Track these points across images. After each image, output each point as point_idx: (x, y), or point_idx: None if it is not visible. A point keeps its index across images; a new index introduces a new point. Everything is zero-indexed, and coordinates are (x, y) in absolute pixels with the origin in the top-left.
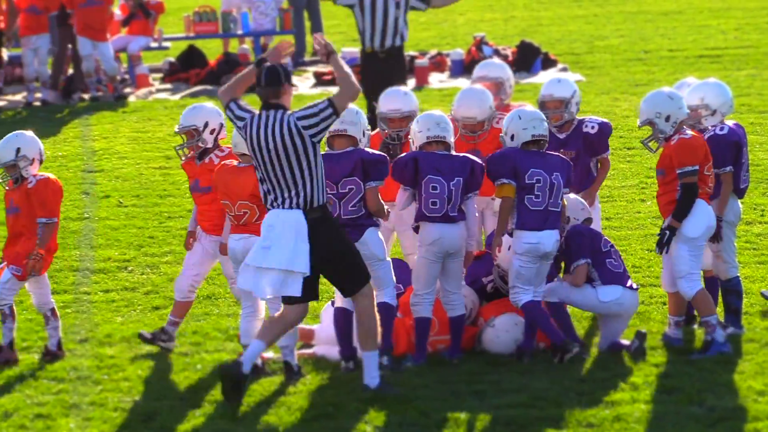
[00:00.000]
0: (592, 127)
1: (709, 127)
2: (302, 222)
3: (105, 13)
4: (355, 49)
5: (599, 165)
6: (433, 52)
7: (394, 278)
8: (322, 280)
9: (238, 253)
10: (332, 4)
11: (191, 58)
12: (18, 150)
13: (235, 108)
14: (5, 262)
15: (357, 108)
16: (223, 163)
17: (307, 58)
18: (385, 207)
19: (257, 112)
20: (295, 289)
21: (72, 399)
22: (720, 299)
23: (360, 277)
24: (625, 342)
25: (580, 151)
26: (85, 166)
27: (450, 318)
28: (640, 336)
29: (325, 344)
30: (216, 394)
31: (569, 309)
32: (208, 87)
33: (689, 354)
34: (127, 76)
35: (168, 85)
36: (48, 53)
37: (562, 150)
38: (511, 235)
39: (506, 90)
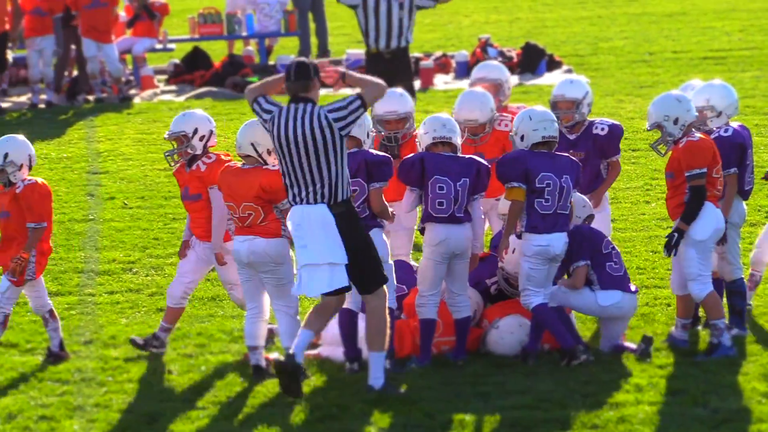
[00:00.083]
0: (602, 129)
1: (714, 129)
2: (328, 215)
3: (110, 14)
4: (359, 51)
5: (609, 168)
6: (438, 53)
7: (395, 281)
8: None
9: (243, 255)
10: (336, 5)
11: (196, 60)
12: (6, 155)
13: (263, 102)
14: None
15: None
16: (226, 164)
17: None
18: (390, 209)
19: (284, 106)
20: (342, 279)
21: (76, 401)
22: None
23: (379, 275)
24: (632, 345)
25: (589, 153)
26: (90, 167)
27: (455, 320)
28: (647, 340)
29: (331, 344)
30: (220, 395)
31: (574, 312)
32: (213, 88)
33: (694, 356)
34: (131, 78)
35: (173, 87)
36: (53, 55)
37: (571, 151)
38: (519, 237)
39: (505, 91)
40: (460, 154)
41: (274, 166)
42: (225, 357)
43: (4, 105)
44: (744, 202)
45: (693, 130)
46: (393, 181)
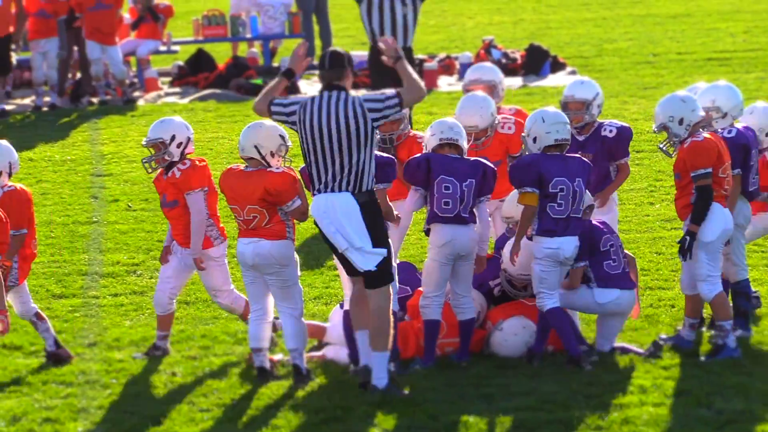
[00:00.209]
0: (611, 131)
1: (719, 130)
2: (352, 203)
3: (114, 16)
4: (363, 53)
5: (618, 170)
6: (442, 55)
7: (397, 283)
8: (333, 281)
9: (248, 257)
10: (340, 7)
11: (200, 62)
12: None
13: (279, 104)
14: None
15: None
16: (229, 167)
17: (316, 62)
18: (394, 210)
19: (311, 96)
20: (376, 258)
21: (80, 403)
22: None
23: (389, 272)
24: (639, 350)
25: (598, 155)
26: (94, 169)
27: (460, 321)
28: (656, 346)
29: (336, 344)
30: (224, 397)
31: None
32: (217, 91)
33: (698, 357)
34: (135, 80)
35: (177, 89)
36: (57, 57)
37: (580, 152)
38: (530, 239)
39: (498, 93)
40: (465, 156)
41: (278, 168)
42: (229, 359)
43: (8, 107)
44: (749, 204)
45: (700, 130)
46: (396, 182)
